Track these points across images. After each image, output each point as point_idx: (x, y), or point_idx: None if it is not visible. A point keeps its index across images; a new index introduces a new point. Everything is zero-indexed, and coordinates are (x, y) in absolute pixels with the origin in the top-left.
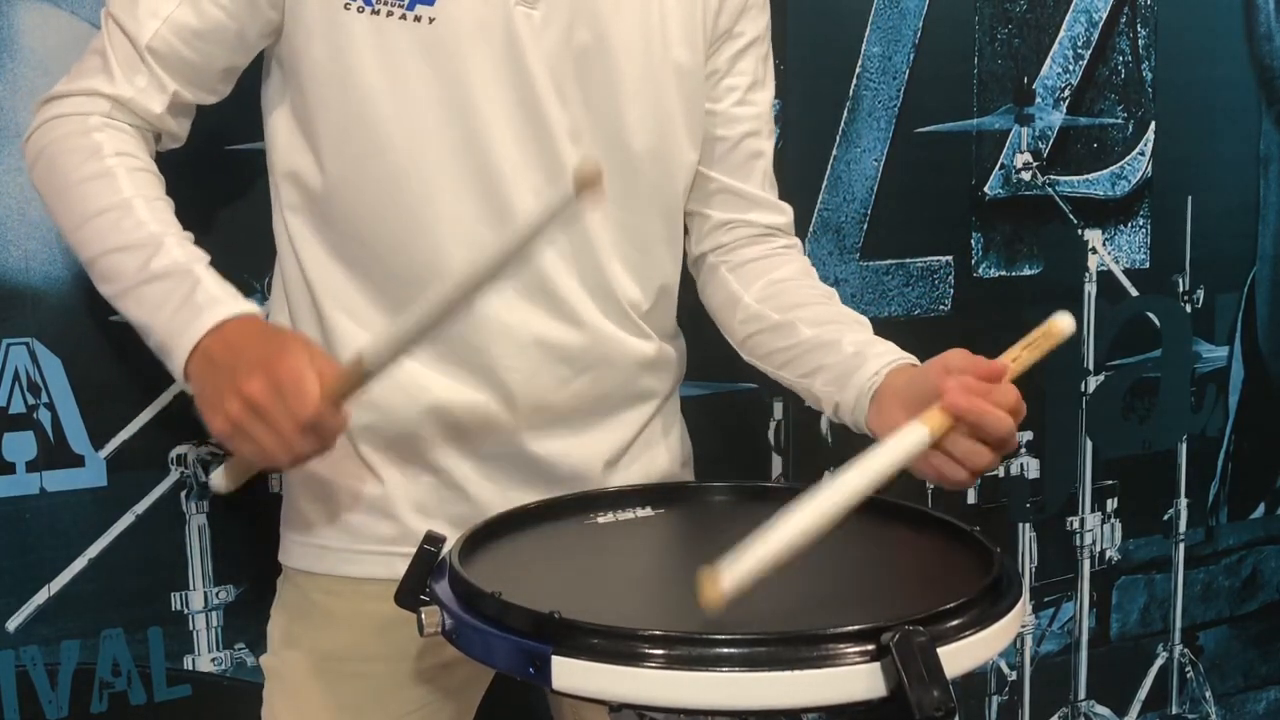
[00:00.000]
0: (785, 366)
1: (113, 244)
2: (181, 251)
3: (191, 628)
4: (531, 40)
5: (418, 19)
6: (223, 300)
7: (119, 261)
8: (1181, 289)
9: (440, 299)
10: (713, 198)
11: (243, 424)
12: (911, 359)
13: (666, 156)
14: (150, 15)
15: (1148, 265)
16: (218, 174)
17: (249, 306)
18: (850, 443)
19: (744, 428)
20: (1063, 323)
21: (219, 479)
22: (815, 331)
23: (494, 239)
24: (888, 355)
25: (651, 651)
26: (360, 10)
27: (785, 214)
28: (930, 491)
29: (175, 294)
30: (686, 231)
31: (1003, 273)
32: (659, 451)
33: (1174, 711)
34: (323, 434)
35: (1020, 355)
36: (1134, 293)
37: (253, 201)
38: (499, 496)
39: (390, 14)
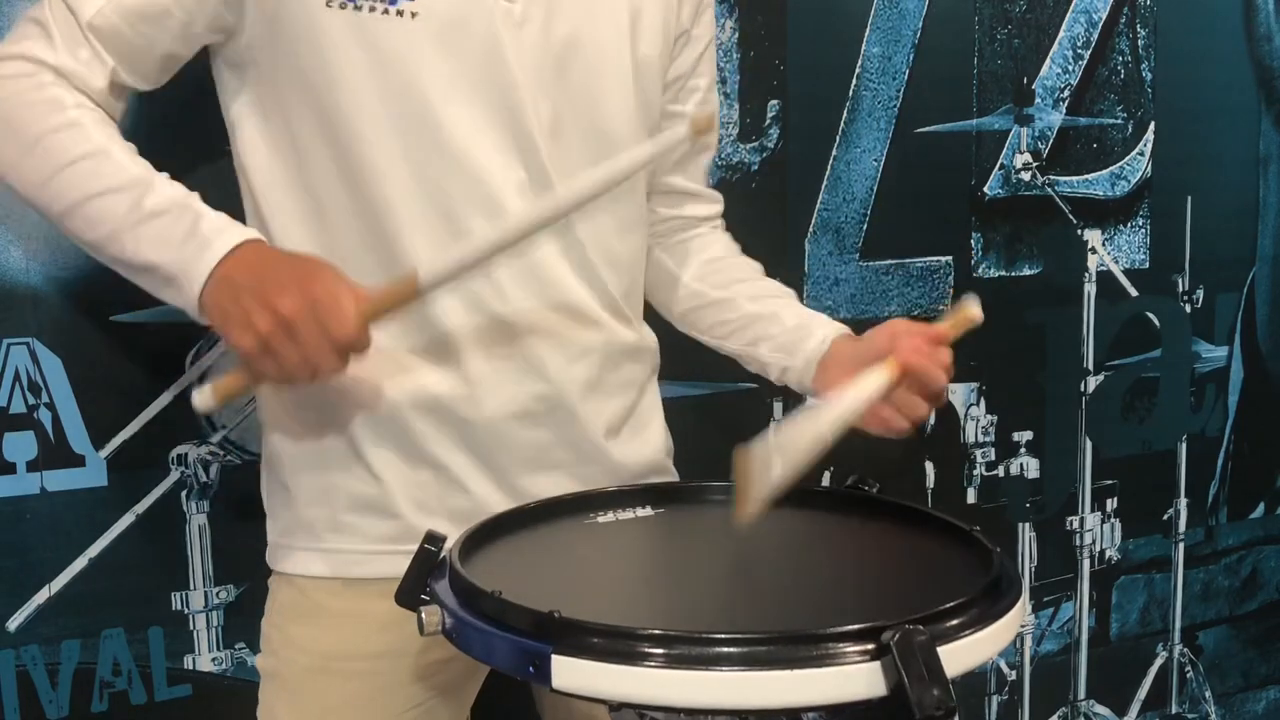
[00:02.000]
0: (729, 337)
1: (95, 189)
2: (173, 188)
3: (191, 627)
4: (511, 35)
5: (399, 13)
6: (228, 229)
7: (105, 205)
8: (1181, 289)
9: (503, 233)
10: (660, 195)
11: (272, 340)
12: (847, 330)
13: (635, 146)
14: None
15: (1147, 265)
16: (217, 174)
17: (254, 232)
18: (850, 443)
19: (744, 428)
20: (974, 310)
21: (205, 397)
22: (755, 306)
23: (482, 227)
24: (828, 326)
25: (651, 651)
26: (342, 7)
27: (718, 203)
28: (930, 491)
29: (177, 228)
30: None
31: (1002, 273)
32: (650, 432)
33: (1174, 711)
34: (351, 354)
35: (949, 330)
36: (1134, 293)
37: None
38: (496, 488)
39: (373, 9)
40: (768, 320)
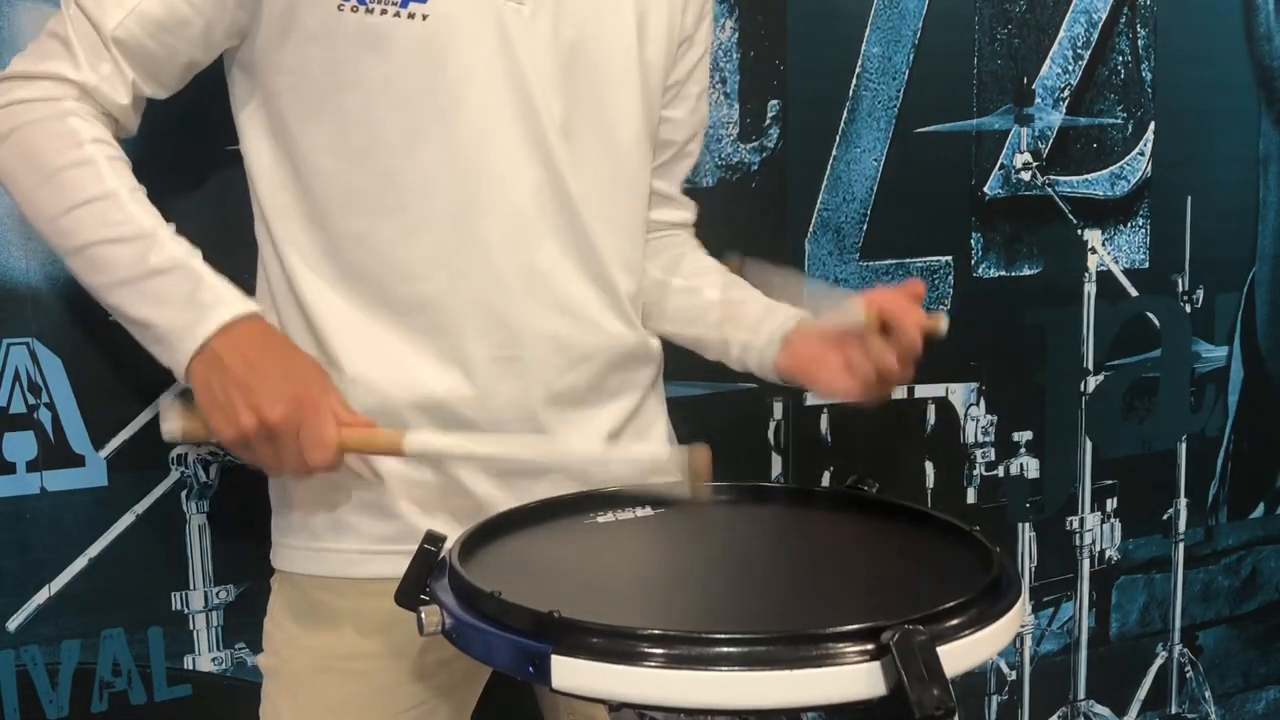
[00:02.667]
0: (693, 322)
1: (103, 235)
2: (177, 246)
3: (191, 627)
4: (522, 36)
5: (411, 16)
6: (227, 300)
7: (110, 254)
8: (1181, 289)
9: (500, 452)
10: None
11: (252, 442)
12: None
13: (641, 148)
14: (116, 5)
15: (1147, 265)
16: (218, 174)
17: (252, 305)
18: (850, 443)
19: (744, 428)
20: (943, 324)
21: (171, 428)
22: (721, 293)
23: (494, 233)
24: (795, 310)
25: (651, 651)
26: (355, 10)
27: (691, 210)
28: (930, 491)
29: (178, 291)
30: None
31: (1002, 273)
32: (652, 435)
33: (1173, 711)
34: (322, 472)
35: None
36: (1134, 293)
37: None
38: (498, 488)
39: (385, 12)
40: (733, 304)
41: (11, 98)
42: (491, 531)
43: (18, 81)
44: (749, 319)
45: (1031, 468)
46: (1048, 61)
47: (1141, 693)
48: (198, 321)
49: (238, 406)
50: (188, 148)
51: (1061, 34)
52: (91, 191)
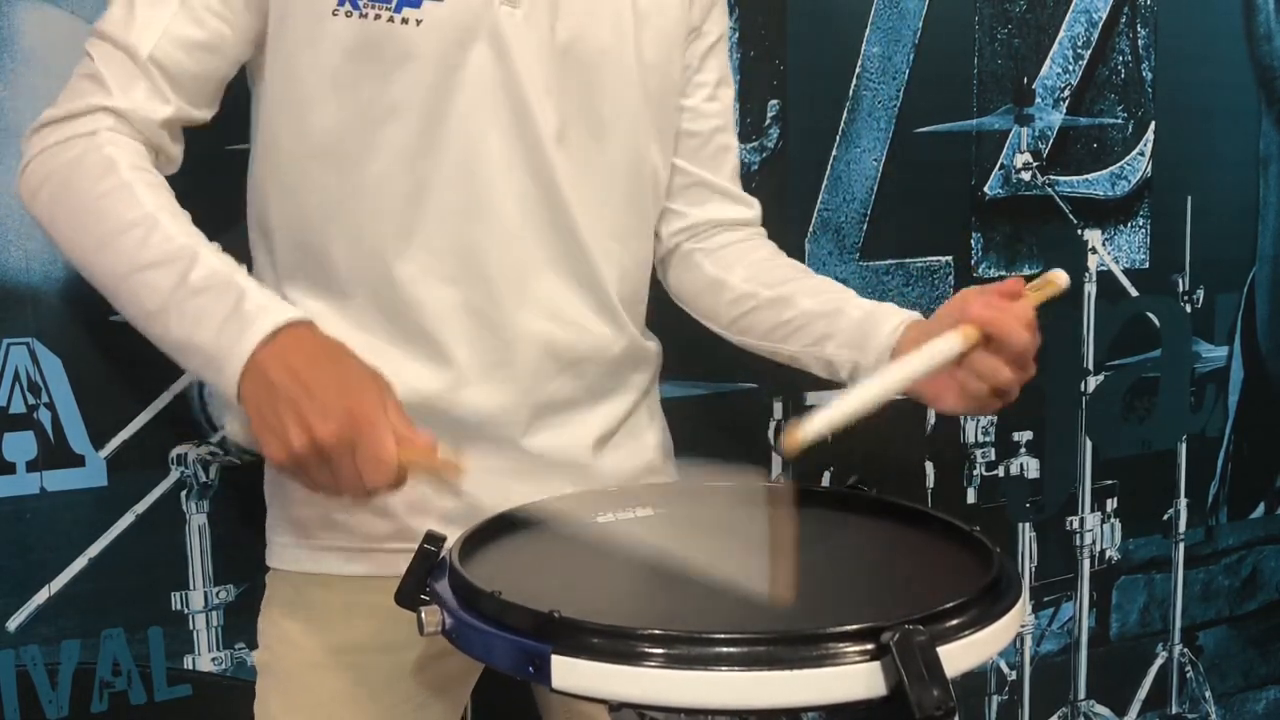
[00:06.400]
0: (789, 339)
1: (143, 260)
2: (219, 261)
3: (191, 627)
4: (516, 40)
5: (405, 21)
6: (271, 309)
7: (151, 279)
8: (1181, 289)
9: (552, 511)
10: (687, 191)
11: (305, 463)
12: (917, 315)
13: (642, 153)
14: (146, 28)
15: (1147, 265)
16: (218, 174)
17: (299, 312)
18: (850, 443)
19: (744, 428)
20: (1061, 277)
21: (235, 432)
22: (815, 302)
23: (485, 239)
24: (898, 314)
25: (651, 651)
26: (348, 15)
27: (754, 208)
28: (930, 491)
29: (220, 306)
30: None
31: (1003, 273)
32: (645, 439)
33: (1174, 711)
34: (381, 494)
35: (1029, 290)
36: (1134, 293)
37: None
38: (491, 490)
39: (378, 17)
40: (832, 316)
41: (46, 142)
42: (491, 531)
43: (51, 126)
44: (850, 333)
45: (1031, 468)
46: (1048, 61)
47: (1142, 693)
48: (241, 334)
49: (288, 426)
50: (188, 148)
51: (1061, 34)
52: (130, 217)
